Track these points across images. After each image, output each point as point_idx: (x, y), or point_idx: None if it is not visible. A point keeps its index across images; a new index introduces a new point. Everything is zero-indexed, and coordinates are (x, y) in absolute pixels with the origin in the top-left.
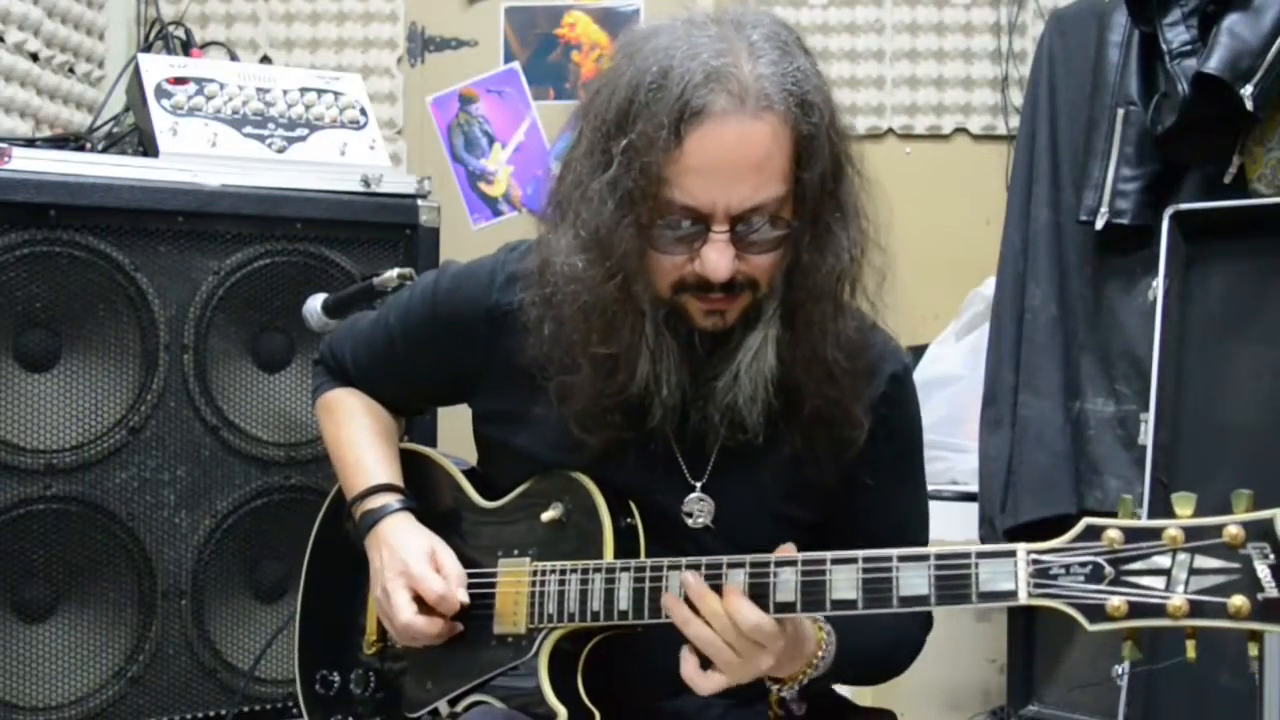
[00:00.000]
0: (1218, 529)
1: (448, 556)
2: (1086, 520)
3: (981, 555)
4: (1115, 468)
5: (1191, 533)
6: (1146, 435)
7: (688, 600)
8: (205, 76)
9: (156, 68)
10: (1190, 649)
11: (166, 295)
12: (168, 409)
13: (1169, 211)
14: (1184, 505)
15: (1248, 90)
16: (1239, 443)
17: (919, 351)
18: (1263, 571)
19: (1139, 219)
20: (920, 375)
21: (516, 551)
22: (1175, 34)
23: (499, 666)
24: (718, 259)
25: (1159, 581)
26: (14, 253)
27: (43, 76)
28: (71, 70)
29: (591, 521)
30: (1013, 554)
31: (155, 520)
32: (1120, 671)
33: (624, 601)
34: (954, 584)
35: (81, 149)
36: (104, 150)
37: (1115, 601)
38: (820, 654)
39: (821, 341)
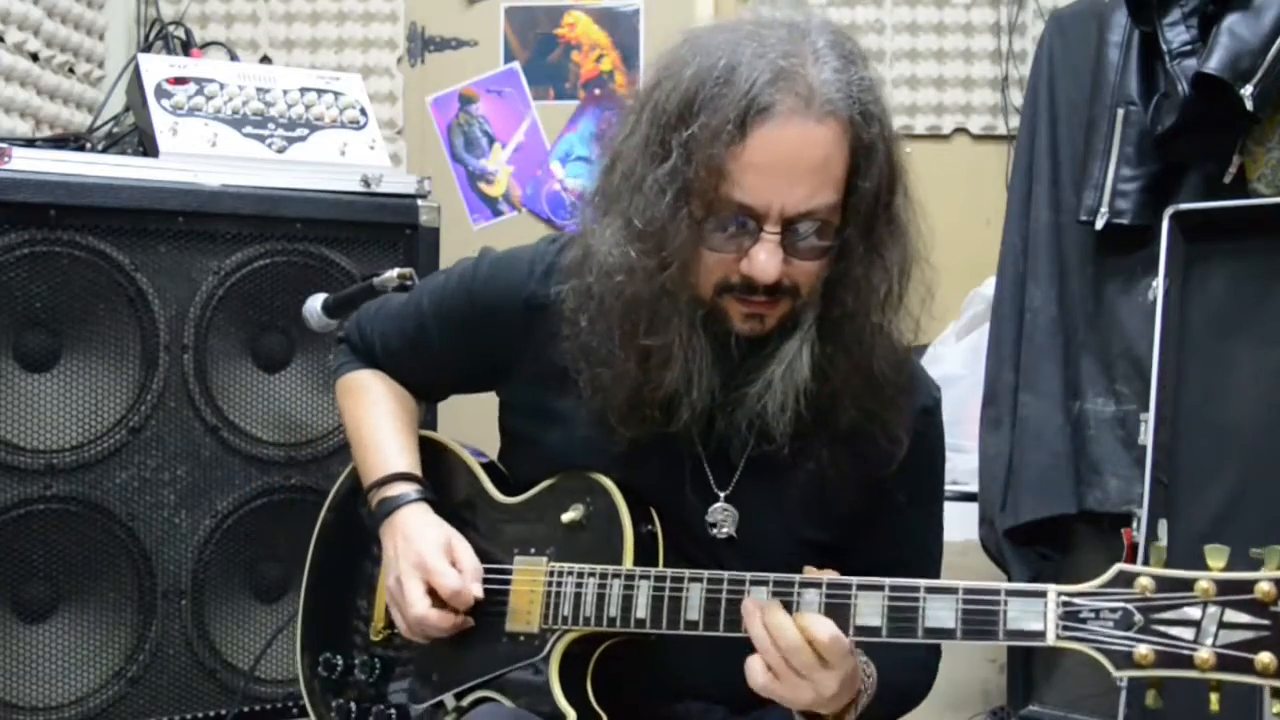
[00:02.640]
0: (1250, 584)
1: (464, 550)
2: (1119, 566)
3: (1011, 594)
4: (1115, 467)
5: (1223, 586)
6: (1146, 435)
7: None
8: (205, 76)
9: (156, 68)
10: (1214, 702)
11: (166, 295)
12: (168, 409)
13: (1169, 211)
14: (1216, 558)
15: (1248, 90)
16: (1239, 442)
17: (919, 351)
18: None
19: (1139, 219)
20: None
21: (534, 550)
22: (1175, 34)
23: (509, 664)
24: (767, 260)
25: (1188, 633)
26: (14, 253)
27: (43, 76)
28: (71, 70)
29: (612, 526)
30: (1043, 594)
31: (155, 520)
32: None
33: (642, 609)
34: (981, 619)
35: (81, 149)
36: (104, 150)
37: (1143, 650)
38: (864, 688)
39: (865, 354)
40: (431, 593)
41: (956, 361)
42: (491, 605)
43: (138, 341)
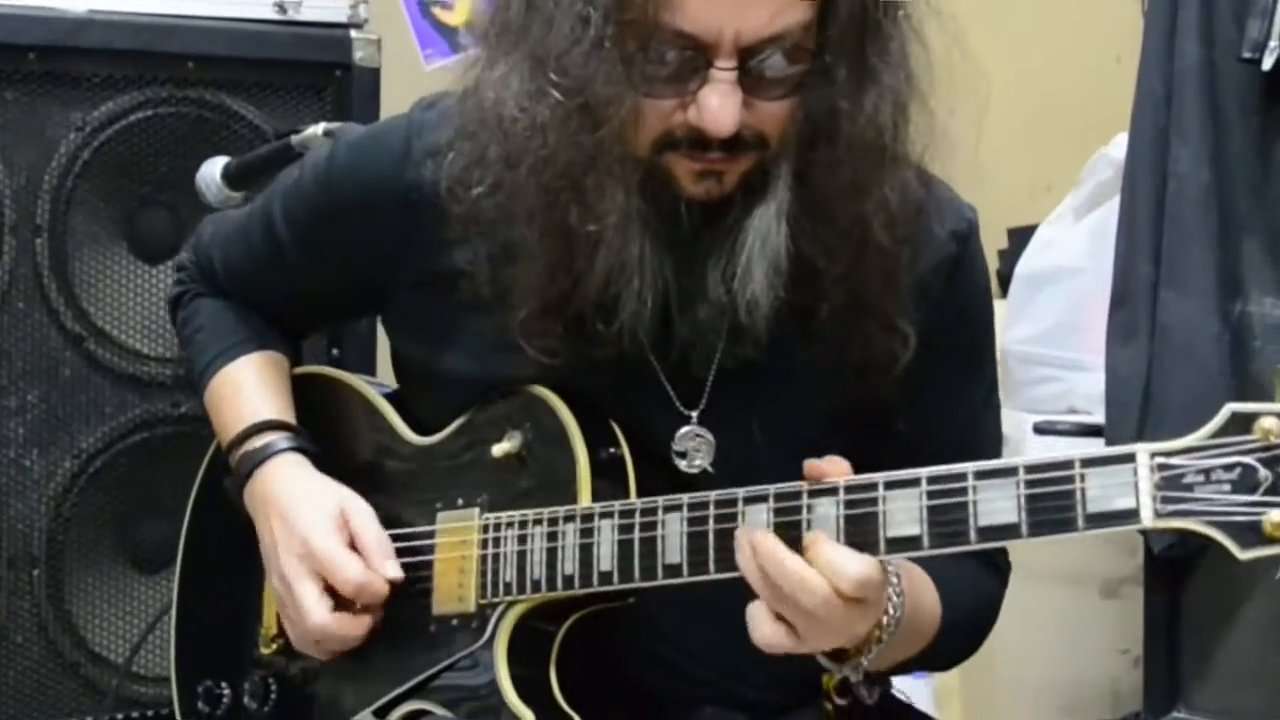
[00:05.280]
0: None
1: (361, 517)
2: (1231, 407)
3: (1089, 463)
4: None
5: None
6: None
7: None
8: None
9: None
10: None
11: (13, 159)
12: (14, 312)
13: None
14: None
15: None
16: None
17: (1024, 235)
18: None
19: None
20: (1026, 267)
21: (461, 501)
22: None
23: (441, 661)
24: (720, 106)
25: None
26: None
27: None
28: None
29: (560, 453)
30: (1131, 459)
31: None
32: None
33: (606, 560)
34: (1052, 505)
35: None
36: None
37: (1277, 517)
38: (891, 612)
39: (856, 219)
40: (331, 589)
41: (1075, 249)
42: (412, 584)
43: None
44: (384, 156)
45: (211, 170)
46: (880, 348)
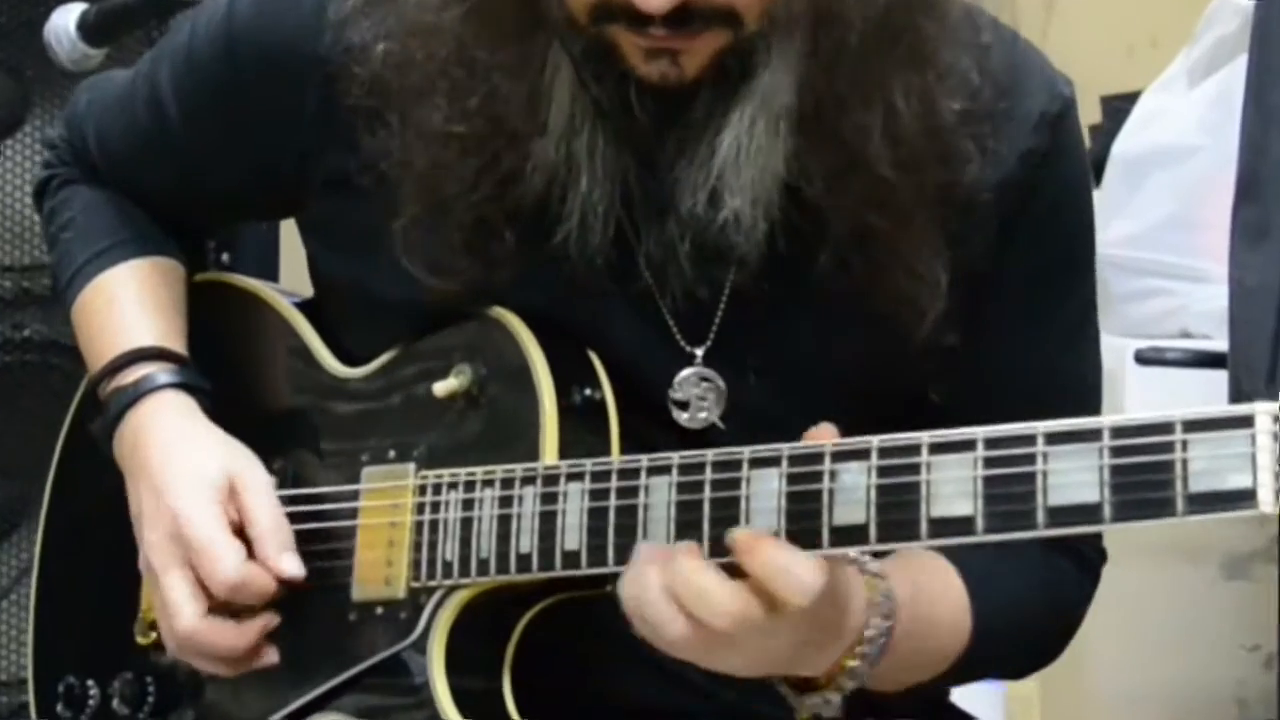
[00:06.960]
0: None
1: (254, 491)
2: None
3: (1193, 426)
4: None
5: None
6: None
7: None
8: None
9: None
10: None
11: None
12: None
13: None
14: None
15: None
16: None
17: (1123, 105)
18: None
19: None
20: (1126, 148)
21: (393, 453)
22: None
23: (362, 660)
24: None
25: None
26: None
27: None
28: None
29: (520, 393)
30: (1248, 422)
31: None
32: None
33: (572, 535)
34: (1144, 481)
35: None
36: None
37: None
38: (869, 633)
39: (855, 126)
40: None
41: (1189, 122)
42: (328, 560)
43: None
44: (295, 15)
45: (64, 20)
46: (902, 296)
